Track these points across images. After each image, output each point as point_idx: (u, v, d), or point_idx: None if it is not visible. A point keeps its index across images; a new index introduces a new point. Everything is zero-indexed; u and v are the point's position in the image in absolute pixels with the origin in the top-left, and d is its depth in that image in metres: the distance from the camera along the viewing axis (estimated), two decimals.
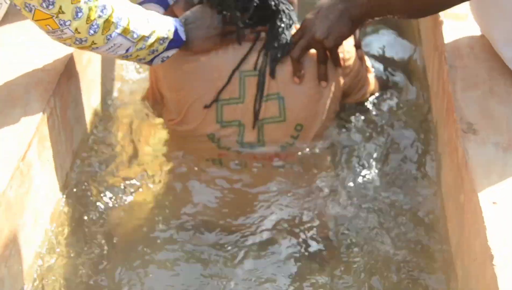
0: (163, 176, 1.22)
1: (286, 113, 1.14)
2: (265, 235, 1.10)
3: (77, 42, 1.06)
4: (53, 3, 0.99)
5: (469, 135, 0.95)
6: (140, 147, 1.31)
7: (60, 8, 1.00)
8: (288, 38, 1.13)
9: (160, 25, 1.14)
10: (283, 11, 1.13)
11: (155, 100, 1.25)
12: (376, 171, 1.23)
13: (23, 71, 1.09)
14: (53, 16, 0.99)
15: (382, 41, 1.73)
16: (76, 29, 1.02)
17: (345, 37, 1.19)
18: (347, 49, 1.19)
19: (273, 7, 1.11)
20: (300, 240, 1.09)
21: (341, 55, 1.18)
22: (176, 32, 1.14)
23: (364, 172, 1.21)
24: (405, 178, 1.22)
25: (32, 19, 1.00)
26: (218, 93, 1.11)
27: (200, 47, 1.13)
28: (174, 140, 1.24)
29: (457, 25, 1.33)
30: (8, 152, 0.89)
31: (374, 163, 1.24)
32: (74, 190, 1.15)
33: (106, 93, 1.41)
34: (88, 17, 1.02)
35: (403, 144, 1.31)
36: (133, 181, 1.21)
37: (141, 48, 1.14)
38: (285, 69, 1.12)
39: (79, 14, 1.01)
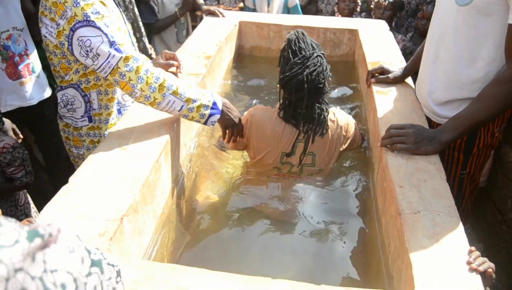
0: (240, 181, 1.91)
1: (315, 163, 1.82)
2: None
3: (146, 99, 1.54)
4: (124, 75, 1.52)
5: (388, 151, 1.54)
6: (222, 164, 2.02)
7: (129, 78, 1.52)
8: (323, 123, 1.76)
9: (202, 94, 1.62)
10: (322, 112, 1.76)
11: (242, 142, 1.85)
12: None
13: (155, 118, 1.75)
14: (127, 82, 1.51)
15: None
16: (141, 89, 1.52)
17: (427, 155, 1.51)
18: (350, 125, 1.85)
19: (316, 116, 1.75)
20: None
21: (344, 131, 1.82)
22: (215, 102, 1.63)
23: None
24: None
25: (120, 88, 1.54)
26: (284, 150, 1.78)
27: (227, 124, 1.70)
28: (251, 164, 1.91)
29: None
30: (149, 157, 1.50)
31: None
32: (184, 180, 1.84)
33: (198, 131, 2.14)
34: (147, 81, 1.51)
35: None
36: (221, 181, 1.91)
37: (191, 109, 1.56)
38: (317, 139, 1.78)
39: (141, 80, 1.51)
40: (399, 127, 1.58)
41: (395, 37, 3.38)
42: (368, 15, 3.84)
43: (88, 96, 1.76)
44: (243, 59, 3.03)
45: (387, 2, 3.50)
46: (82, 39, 1.50)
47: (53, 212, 1.25)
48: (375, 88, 2.05)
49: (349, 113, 2.15)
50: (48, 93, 2.62)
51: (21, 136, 2.59)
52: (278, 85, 1.80)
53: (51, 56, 1.67)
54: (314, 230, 1.66)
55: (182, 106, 1.58)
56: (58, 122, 1.91)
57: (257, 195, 1.83)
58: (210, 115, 1.64)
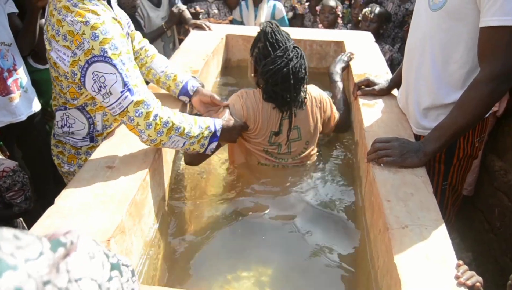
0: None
1: (301, 136, 1.92)
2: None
3: (151, 142, 1.54)
4: (133, 120, 1.49)
5: (375, 165, 1.55)
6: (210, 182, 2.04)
7: (137, 123, 1.49)
8: (302, 99, 1.89)
9: (205, 127, 1.64)
10: (305, 94, 1.91)
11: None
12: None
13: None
14: (135, 127, 1.49)
15: None
16: (149, 135, 1.50)
17: (414, 167, 1.54)
18: (324, 98, 2.00)
19: (301, 99, 1.89)
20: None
21: (319, 103, 1.96)
22: (215, 131, 1.67)
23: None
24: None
25: (128, 128, 1.53)
26: (272, 130, 1.88)
27: (227, 142, 1.82)
28: (243, 152, 1.97)
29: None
30: (136, 176, 1.49)
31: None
32: (173, 196, 1.84)
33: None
34: (155, 128, 1.50)
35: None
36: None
37: (193, 143, 1.61)
38: (299, 112, 1.90)
39: (149, 126, 1.50)
40: (384, 141, 1.60)
41: (383, 48, 3.42)
42: (354, 27, 3.88)
43: (93, 118, 1.74)
44: (230, 72, 3.03)
45: (373, 14, 3.53)
46: (97, 74, 1.45)
47: None
48: (361, 101, 2.08)
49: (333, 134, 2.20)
50: (36, 107, 2.62)
51: (7, 153, 2.56)
52: (252, 75, 1.92)
53: (61, 78, 1.61)
54: (302, 243, 1.66)
55: (185, 142, 1.60)
56: (49, 138, 1.87)
57: (248, 206, 1.83)
58: (209, 143, 1.68)
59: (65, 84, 1.62)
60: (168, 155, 1.84)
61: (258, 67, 1.86)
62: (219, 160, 2.11)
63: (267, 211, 1.79)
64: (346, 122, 2.19)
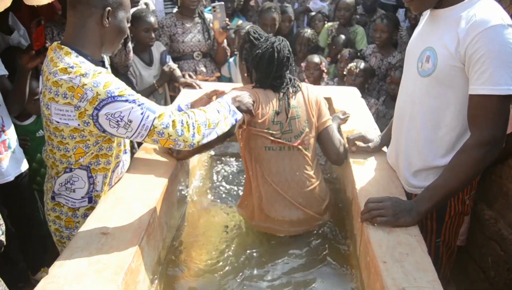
0: None
1: (300, 114, 2.06)
2: None
3: (190, 147, 1.61)
4: (163, 133, 1.57)
5: (369, 224, 1.57)
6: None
7: (168, 134, 1.58)
8: (293, 81, 2.08)
9: (220, 106, 1.76)
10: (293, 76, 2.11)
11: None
12: None
13: (136, 198, 1.81)
14: (167, 139, 1.57)
15: None
16: (184, 140, 1.60)
17: (407, 226, 1.55)
18: (319, 96, 2.16)
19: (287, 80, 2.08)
20: None
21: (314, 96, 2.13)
22: (230, 110, 1.81)
23: None
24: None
25: (162, 144, 1.59)
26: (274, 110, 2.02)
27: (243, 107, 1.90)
28: (251, 138, 2.05)
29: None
30: (131, 241, 1.48)
31: None
32: (169, 258, 1.82)
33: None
34: (186, 132, 1.59)
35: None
36: None
37: (222, 127, 1.73)
38: (296, 96, 2.07)
39: (181, 132, 1.59)
40: (377, 201, 1.62)
41: (368, 101, 3.52)
42: (340, 80, 4.00)
43: (94, 177, 1.74)
44: None
45: (358, 69, 3.66)
46: (110, 113, 1.51)
47: None
48: (352, 159, 2.11)
49: (326, 183, 2.20)
50: (24, 166, 2.62)
51: None
52: (246, 75, 2.12)
53: (66, 141, 1.62)
54: None
55: (216, 131, 1.72)
56: (46, 201, 1.83)
57: (243, 270, 1.81)
58: (233, 114, 1.81)
59: (71, 145, 1.63)
60: (163, 216, 1.83)
61: (250, 65, 2.07)
62: (217, 224, 2.10)
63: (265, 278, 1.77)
64: (343, 153, 2.19)
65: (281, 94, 2.05)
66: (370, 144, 2.14)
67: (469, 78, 1.51)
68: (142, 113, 1.53)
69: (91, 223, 1.59)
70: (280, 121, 2.03)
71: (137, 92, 3.25)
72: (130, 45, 2.96)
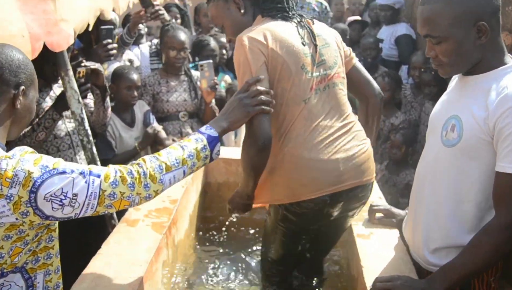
0: None
1: (327, 41, 1.88)
2: None
3: (147, 199, 1.41)
4: (114, 194, 1.34)
5: None
6: None
7: (120, 192, 1.35)
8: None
9: (195, 141, 1.52)
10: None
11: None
12: None
13: None
14: (121, 198, 1.34)
15: None
16: (137, 193, 1.37)
17: None
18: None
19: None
20: None
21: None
22: (208, 136, 1.55)
23: None
24: None
25: (116, 209, 1.36)
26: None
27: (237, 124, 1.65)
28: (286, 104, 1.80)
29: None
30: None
31: None
32: None
33: None
34: (138, 184, 1.36)
35: None
36: None
37: (193, 165, 1.51)
38: (315, 25, 1.89)
39: (132, 187, 1.35)
40: (385, 280, 1.57)
41: None
42: None
43: (33, 278, 1.39)
44: (210, 201, 2.87)
45: None
46: (50, 193, 1.27)
47: None
48: (356, 231, 2.01)
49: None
50: None
51: None
52: (242, 12, 1.86)
53: (0, 244, 1.31)
54: None
55: (184, 171, 1.50)
56: None
57: None
58: (211, 150, 1.56)
59: (7, 248, 1.31)
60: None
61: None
62: None
63: None
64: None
65: (296, 23, 1.82)
66: (393, 220, 2.05)
67: (497, 153, 1.45)
68: (86, 181, 1.31)
69: None
70: (310, 53, 1.83)
71: (116, 155, 3.08)
72: (108, 100, 2.77)
